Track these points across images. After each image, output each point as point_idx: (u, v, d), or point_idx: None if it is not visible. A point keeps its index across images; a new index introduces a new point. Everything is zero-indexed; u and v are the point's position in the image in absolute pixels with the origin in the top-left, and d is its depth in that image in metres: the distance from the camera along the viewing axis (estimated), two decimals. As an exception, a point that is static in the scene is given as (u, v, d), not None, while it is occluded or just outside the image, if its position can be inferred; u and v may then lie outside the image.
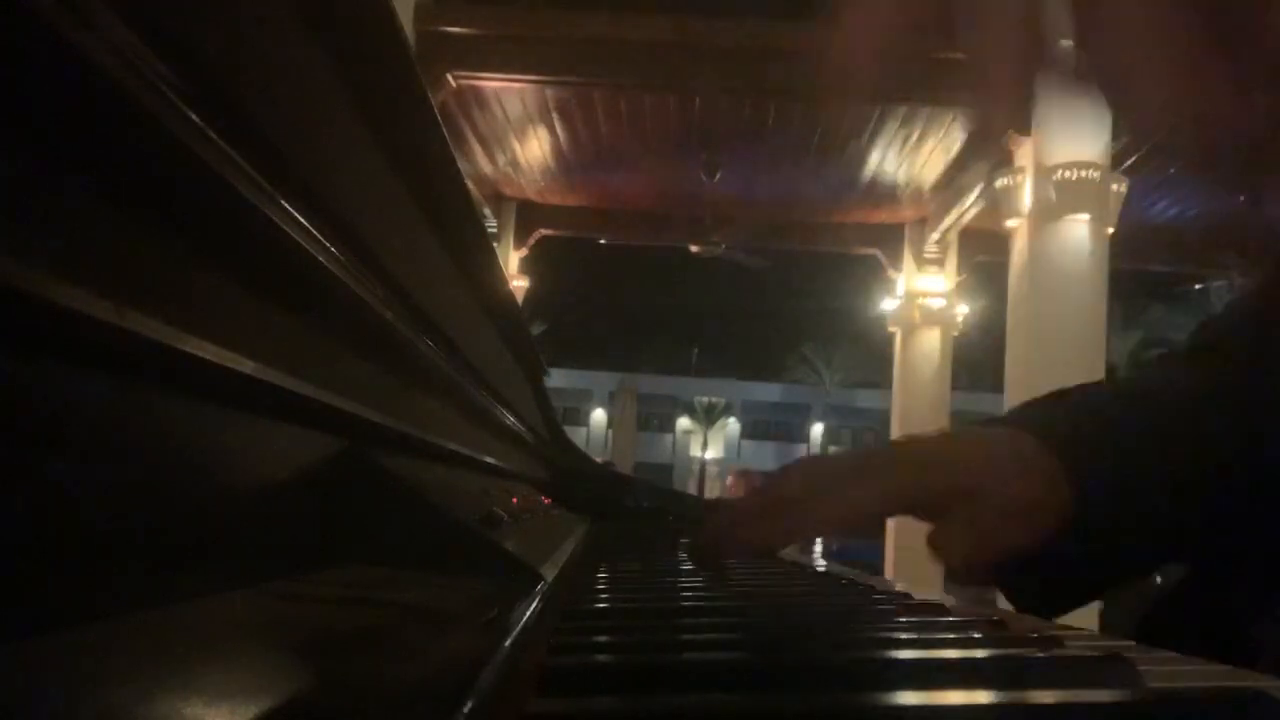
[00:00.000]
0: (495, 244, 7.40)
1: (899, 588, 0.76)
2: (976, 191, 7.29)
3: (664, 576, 0.89)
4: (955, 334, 9.30)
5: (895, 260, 9.20)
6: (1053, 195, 5.84)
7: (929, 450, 0.59)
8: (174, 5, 0.23)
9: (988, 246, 8.43)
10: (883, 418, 17.29)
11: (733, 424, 34.55)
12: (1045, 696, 0.33)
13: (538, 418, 1.43)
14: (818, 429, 32.99)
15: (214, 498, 0.31)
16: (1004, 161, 6.36)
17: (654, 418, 32.49)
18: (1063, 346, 5.90)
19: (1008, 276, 6.40)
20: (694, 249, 9.63)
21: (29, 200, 0.19)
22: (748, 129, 7.05)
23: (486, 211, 8.63)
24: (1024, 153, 6.05)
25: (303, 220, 0.32)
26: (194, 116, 0.24)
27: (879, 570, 7.29)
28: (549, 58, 6.20)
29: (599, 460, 1.78)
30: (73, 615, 0.20)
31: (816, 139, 7.13)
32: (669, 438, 33.77)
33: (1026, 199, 5.98)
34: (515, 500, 0.83)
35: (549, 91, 6.61)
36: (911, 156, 7.40)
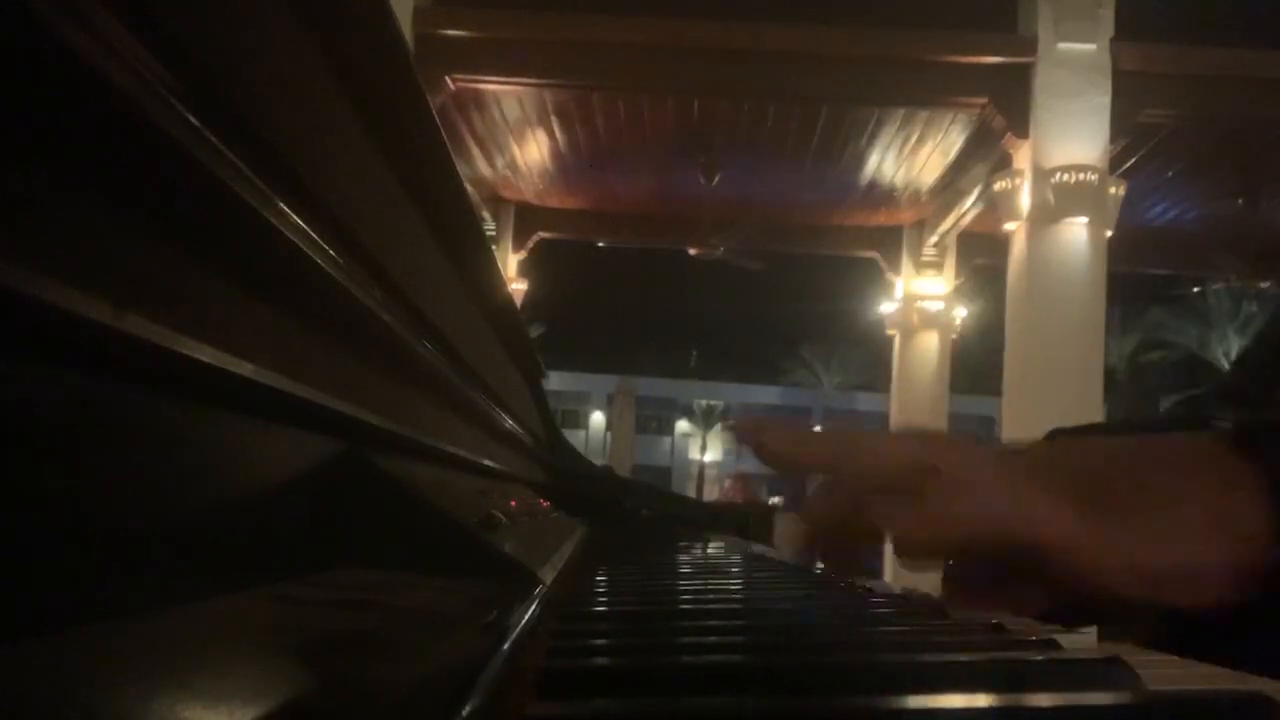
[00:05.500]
0: (494, 247, 7.40)
1: (897, 590, 0.76)
2: (975, 194, 7.31)
3: (662, 579, 0.89)
4: (954, 337, 9.31)
5: (894, 263, 9.21)
6: (1051, 198, 5.85)
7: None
8: (174, 8, 0.23)
9: (986, 249, 8.45)
10: (882, 421, 17.32)
11: (731, 426, 34.52)
12: (1044, 699, 0.33)
13: (536, 420, 1.43)
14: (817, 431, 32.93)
15: (213, 500, 0.31)
16: (1002, 164, 6.37)
17: (653, 420, 32.50)
18: (1061, 349, 5.91)
19: (1006, 279, 6.41)
20: (692, 251, 9.64)
21: (28, 202, 0.19)
22: (746, 132, 7.06)
23: (485, 214, 8.63)
24: (1022, 155, 6.07)
25: (301, 223, 0.32)
26: (193, 120, 0.24)
27: (878, 573, 7.28)
28: (547, 60, 6.21)
29: (598, 463, 1.78)
30: (71, 617, 0.20)
31: (815, 141, 7.14)
32: (668, 440, 33.78)
33: (1025, 202, 6.00)
34: (513, 503, 0.83)
35: (547, 94, 6.62)
36: (910, 159, 7.41)
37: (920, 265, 9.03)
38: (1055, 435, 0.55)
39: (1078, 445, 0.46)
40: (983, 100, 6.15)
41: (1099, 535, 0.41)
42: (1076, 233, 5.91)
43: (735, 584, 0.84)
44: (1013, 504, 0.42)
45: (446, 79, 6.03)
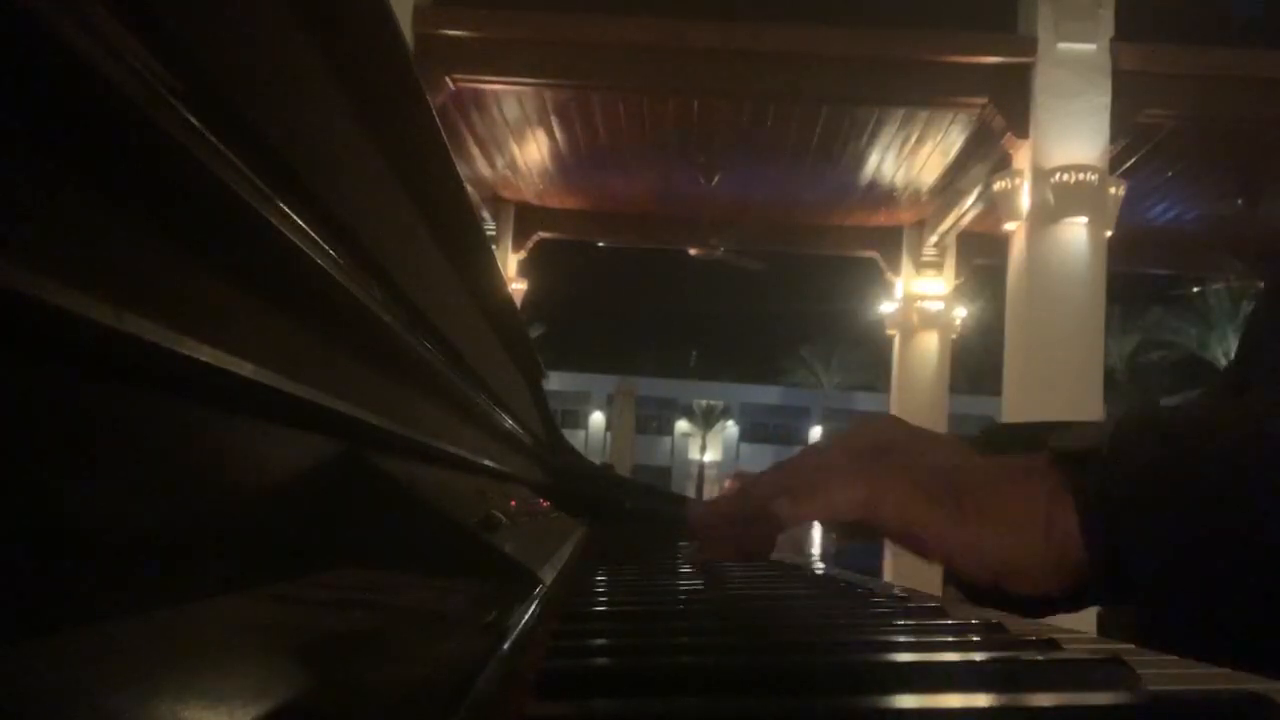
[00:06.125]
0: (494, 247, 7.40)
1: (897, 590, 0.76)
2: (975, 194, 7.31)
3: (662, 579, 0.89)
4: (954, 337, 9.31)
5: (894, 263, 9.21)
6: (1051, 198, 5.85)
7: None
8: (174, 8, 0.23)
9: (986, 249, 8.45)
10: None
11: (731, 427, 34.58)
12: (1044, 699, 0.33)
13: (536, 420, 1.43)
14: (816, 431, 32.99)
15: (213, 500, 0.31)
16: (1002, 164, 6.37)
17: (653, 420, 32.50)
18: (1061, 349, 5.91)
19: (1006, 279, 6.41)
20: (692, 252, 9.65)
21: (27, 202, 0.19)
22: (746, 132, 7.06)
23: (485, 214, 8.63)
24: (1022, 155, 6.07)
25: (301, 223, 0.32)
26: (193, 120, 0.24)
27: (877, 573, 7.30)
28: (548, 60, 6.21)
29: (598, 463, 1.78)
30: (70, 618, 0.20)
31: (815, 141, 7.14)
32: (668, 440, 33.80)
33: (1025, 202, 6.00)
34: (513, 503, 0.83)
35: (548, 94, 6.62)
36: (910, 159, 7.41)
37: (920, 265, 9.03)
38: (993, 429, 0.70)
39: (955, 459, 0.58)
40: (983, 100, 6.15)
41: (953, 530, 0.52)
42: (1076, 233, 5.91)
43: (736, 584, 0.84)
44: (889, 498, 0.53)
45: (446, 79, 6.03)
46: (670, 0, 6.14)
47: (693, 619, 0.60)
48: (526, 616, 0.39)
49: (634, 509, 1.50)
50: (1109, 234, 5.99)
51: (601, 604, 0.66)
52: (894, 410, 9.25)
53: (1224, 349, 22.14)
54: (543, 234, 9.20)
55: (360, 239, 0.39)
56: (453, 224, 0.63)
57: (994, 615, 0.57)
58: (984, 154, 6.83)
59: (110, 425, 0.24)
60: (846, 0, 6.17)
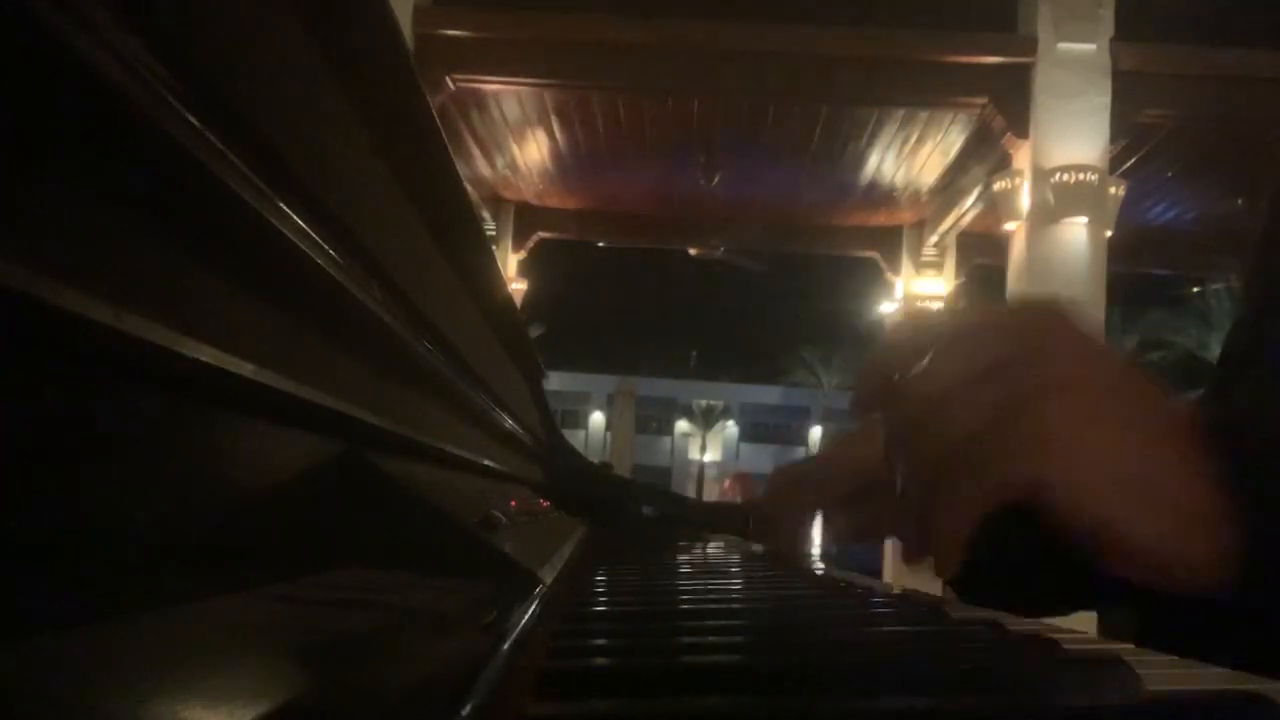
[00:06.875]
0: (494, 247, 7.40)
1: (897, 590, 0.76)
2: (975, 194, 7.30)
3: (662, 579, 0.89)
4: (954, 337, 9.29)
5: (894, 263, 9.20)
6: (1051, 198, 5.85)
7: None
8: (174, 8, 0.23)
9: (986, 249, 8.44)
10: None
11: (731, 427, 34.56)
12: (1044, 699, 0.33)
13: (536, 420, 1.43)
14: (817, 431, 32.97)
15: (213, 500, 0.31)
16: (1002, 164, 6.37)
17: (652, 420, 32.50)
18: (1061, 349, 5.90)
19: (1006, 280, 6.41)
20: (692, 252, 9.65)
21: (27, 202, 0.19)
22: (746, 132, 7.05)
23: (485, 214, 8.63)
24: (1022, 155, 6.06)
25: (301, 223, 0.32)
26: (193, 120, 0.24)
27: (877, 573, 7.29)
28: (548, 60, 6.21)
29: (597, 462, 1.78)
30: (70, 618, 0.20)
31: (815, 141, 7.14)
32: (667, 440, 33.79)
33: (1025, 202, 5.99)
34: (513, 503, 0.83)
35: (548, 94, 6.62)
36: (910, 159, 7.40)
37: (920, 265, 9.03)
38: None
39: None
40: (983, 100, 6.15)
41: (1139, 528, 0.41)
42: (1076, 233, 5.91)
43: (735, 584, 0.84)
44: (1072, 485, 0.41)
45: (446, 79, 6.03)
46: (670, 0, 6.13)
47: (692, 619, 0.60)
48: (526, 616, 0.39)
49: (633, 509, 1.50)
50: (1109, 234, 5.99)
51: (601, 604, 0.66)
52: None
53: (1224, 349, 22.05)
54: (543, 234, 9.20)
55: (360, 239, 0.39)
56: (453, 224, 0.63)
57: (994, 615, 0.57)
58: (984, 154, 6.82)
59: (110, 425, 0.24)
60: (846, 0, 6.17)
